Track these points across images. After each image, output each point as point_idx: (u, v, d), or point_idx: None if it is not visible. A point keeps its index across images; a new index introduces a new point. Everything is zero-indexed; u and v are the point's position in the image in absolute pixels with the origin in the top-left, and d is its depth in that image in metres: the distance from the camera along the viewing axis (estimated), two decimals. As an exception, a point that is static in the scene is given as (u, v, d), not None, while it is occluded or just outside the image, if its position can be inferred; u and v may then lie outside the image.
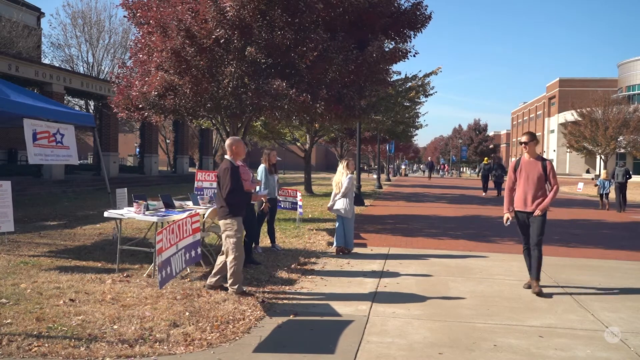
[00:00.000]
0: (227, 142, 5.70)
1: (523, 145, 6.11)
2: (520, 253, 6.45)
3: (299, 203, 11.00)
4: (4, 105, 7.40)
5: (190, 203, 7.80)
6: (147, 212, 6.67)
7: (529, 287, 6.11)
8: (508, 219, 6.18)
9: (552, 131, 70.20)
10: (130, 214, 6.63)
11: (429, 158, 63.46)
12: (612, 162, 43.47)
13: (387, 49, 10.85)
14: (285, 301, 5.41)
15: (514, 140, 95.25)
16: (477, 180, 38.26)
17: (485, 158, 31.72)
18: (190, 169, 33.35)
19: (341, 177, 8.17)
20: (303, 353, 4.02)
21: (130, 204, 7.34)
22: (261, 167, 8.07)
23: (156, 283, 5.51)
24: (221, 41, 9.06)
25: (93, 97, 24.86)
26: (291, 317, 4.89)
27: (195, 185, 10.14)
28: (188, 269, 6.15)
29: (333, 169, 54.20)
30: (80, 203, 14.89)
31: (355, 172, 16.07)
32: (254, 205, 7.55)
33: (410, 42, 11.64)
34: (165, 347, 4.01)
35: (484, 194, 24.30)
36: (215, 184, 9.87)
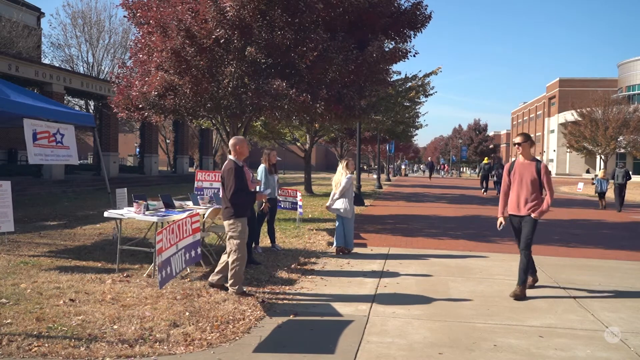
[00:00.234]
0: (231, 141, 5.64)
1: (517, 146, 5.97)
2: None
3: (299, 203, 11.00)
4: (4, 105, 7.40)
5: (190, 203, 7.80)
6: (147, 212, 6.66)
7: (530, 286, 6.08)
8: (501, 223, 6.10)
9: (552, 131, 70.21)
10: (130, 214, 6.63)
11: (429, 158, 63.43)
12: (612, 162, 43.53)
13: (387, 49, 10.85)
14: (285, 301, 5.41)
15: (514, 140, 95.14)
16: (477, 180, 38.25)
17: (485, 158, 31.75)
18: (190, 169, 33.37)
19: (341, 177, 8.18)
20: (303, 353, 4.02)
21: (130, 204, 7.34)
22: (261, 167, 8.07)
23: (156, 283, 5.51)
24: (221, 41, 9.07)
25: (93, 97, 24.86)
26: (291, 317, 4.89)
27: (195, 185, 10.15)
28: (188, 269, 6.15)
29: (333, 169, 54.15)
30: (80, 203, 14.89)
31: (355, 172, 16.08)
32: (254, 205, 7.54)
33: (410, 42, 11.65)
34: (165, 347, 4.01)
35: (484, 193, 24.37)
36: (215, 184, 9.92)
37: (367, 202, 17.75)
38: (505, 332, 4.62)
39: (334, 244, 8.20)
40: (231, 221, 5.39)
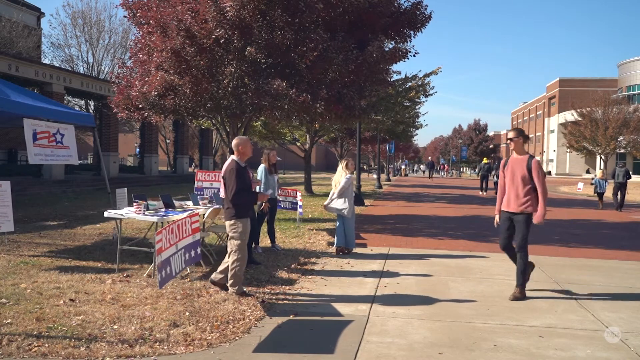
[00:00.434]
0: (234, 142, 5.59)
1: (509, 141, 5.82)
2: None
3: (299, 203, 11.00)
4: (4, 105, 7.40)
5: (190, 203, 7.80)
6: (147, 212, 6.67)
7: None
8: (497, 222, 6.03)
9: (552, 131, 70.21)
10: (130, 214, 6.63)
11: (430, 158, 63.37)
12: (612, 162, 43.51)
13: (387, 49, 10.85)
14: (285, 301, 5.41)
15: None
16: (477, 180, 38.25)
17: (484, 158, 31.76)
18: (190, 169, 33.36)
19: (340, 177, 8.18)
20: (303, 353, 4.02)
21: (130, 204, 7.34)
22: (261, 167, 8.07)
23: (156, 283, 5.51)
24: (221, 41, 9.07)
25: (93, 97, 24.86)
26: (291, 317, 4.89)
27: (195, 185, 10.15)
28: (188, 269, 6.15)
29: (333, 169, 54.14)
30: (80, 203, 14.89)
31: (355, 172, 16.08)
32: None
33: (410, 42, 11.64)
34: (165, 347, 4.01)
35: (483, 193, 24.37)
36: (215, 184, 9.92)
37: (367, 202, 17.75)
38: (505, 332, 4.62)
39: (335, 244, 8.20)
40: (232, 222, 5.37)
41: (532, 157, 5.71)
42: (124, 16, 11.06)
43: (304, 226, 11.05)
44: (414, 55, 11.50)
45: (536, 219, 5.61)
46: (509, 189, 5.79)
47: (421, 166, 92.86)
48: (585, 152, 49.16)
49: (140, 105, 10.35)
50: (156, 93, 9.73)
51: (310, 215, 13.14)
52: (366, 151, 50.52)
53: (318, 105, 9.81)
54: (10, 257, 7.07)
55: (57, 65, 27.05)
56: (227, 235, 5.52)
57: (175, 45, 8.95)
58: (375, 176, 33.29)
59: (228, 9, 8.77)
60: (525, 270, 5.76)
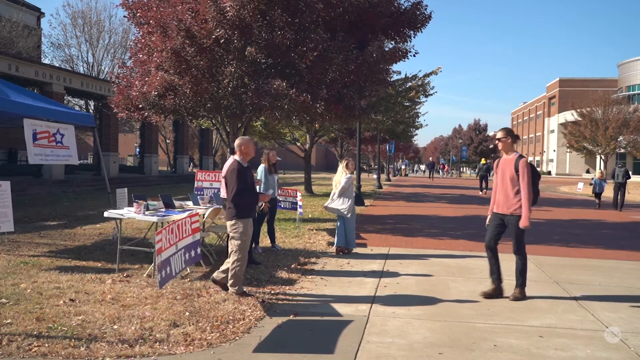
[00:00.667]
0: (237, 142, 5.59)
1: (497, 141, 5.69)
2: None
3: (299, 203, 11.01)
4: (4, 105, 7.40)
5: (190, 203, 7.80)
6: (147, 212, 6.66)
7: (489, 296, 5.67)
8: (487, 222, 5.93)
9: (552, 131, 70.22)
10: (130, 214, 6.63)
11: (430, 158, 63.34)
12: (612, 162, 43.51)
13: (387, 49, 10.85)
14: (285, 301, 5.41)
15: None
16: (477, 180, 38.25)
17: (483, 158, 31.76)
18: (189, 169, 33.36)
19: (341, 177, 8.18)
20: (303, 353, 4.02)
21: (130, 204, 7.34)
22: (261, 167, 8.07)
23: (156, 283, 5.51)
24: (221, 41, 9.06)
25: (93, 97, 24.86)
26: (291, 317, 4.88)
27: (195, 185, 10.15)
28: (188, 269, 6.15)
29: (333, 169, 54.14)
30: (80, 203, 14.89)
31: (355, 172, 16.08)
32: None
33: (410, 42, 11.64)
34: (165, 347, 4.01)
35: (482, 193, 24.42)
36: (215, 184, 9.92)
37: (367, 202, 17.75)
38: (505, 332, 4.62)
39: (335, 244, 8.20)
40: (233, 222, 5.36)
41: (520, 156, 5.56)
42: (124, 16, 11.06)
43: (304, 226, 11.04)
44: (414, 55, 11.51)
45: (521, 223, 5.49)
46: (499, 190, 5.70)
47: (421, 166, 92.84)
48: (585, 152, 49.18)
49: (140, 105, 10.35)
50: (156, 93, 9.73)
51: (310, 215, 13.14)
52: (366, 151, 50.51)
53: (318, 105, 9.81)
54: (10, 257, 7.07)
55: (57, 65, 27.05)
56: (228, 235, 5.52)
57: (175, 45, 8.95)
58: (375, 176, 33.30)
59: (228, 9, 8.77)
60: (523, 271, 5.72)
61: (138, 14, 10.22)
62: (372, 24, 10.49)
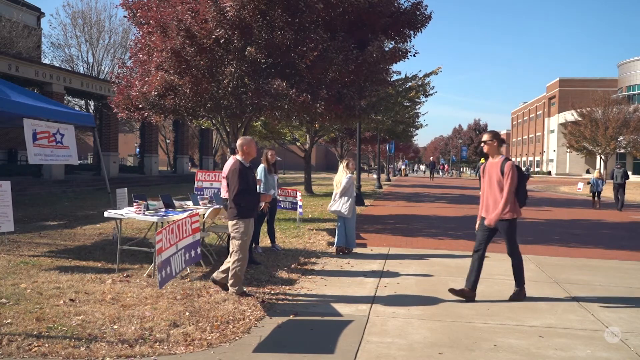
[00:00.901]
0: (239, 142, 5.58)
1: (483, 144, 5.59)
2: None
3: (299, 203, 11.01)
4: (4, 105, 7.40)
5: (190, 203, 7.80)
6: (147, 212, 6.66)
7: (456, 292, 5.59)
8: (477, 228, 5.85)
9: (552, 131, 70.23)
10: (130, 214, 6.62)
11: (431, 158, 63.34)
12: (612, 162, 43.55)
13: (387, 49, 10.86)
14: (285, 301, 5.41)
15: (514, 140, 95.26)
16: (477, 180, 38.27)
17: (483, 158, 31.77)
18: (189, 169, 33.36)
19: (341, 177, 8.18)
20: (303, 353, 4.02)
21: (130, 204, 7.34)
22: (260, 167, 8.07)
23: (156, 283, 5.51)
24: (221, 41, 9.07)
25: (93, 97, 24.87)
26: (291, 317, 4.88)
27: (195, 185, 10.15)
28: (188, 269, 6.15)
29: (333, 169, 54.15)
30: (80, 203, 14.89)
31: (355, 172, 16.08)
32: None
33: (410, 42, 11.65)
34: (165, 347, 4.01)
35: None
36: (215, 184, 9.92)
37: (367, 202, 17.75)
38: (505, 332, 4.62)
39: (335, 244, 8.20)
40: (234, 222, 5.35)
41: (506, 159, 5.50)
42: (124, 16, 11.07)
43: (304, 226, 11.05)
44: (414, 55, 11.52)
45: (487, 220, 5.48)
46: (487, 195, 5.63)
47: (421, 166, 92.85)
48: (585, 152, 49.21)
49: (140, 105, 10.35)
50: (156, 93, 9.73)
51: (310, 215, 13.14)
52: (366, 151, 50.51)
53: (318, 105, 9.81)
54: (10, 257, 7.07)
55: (57, 65, 27.06)
56: (228, 235, 5.51)
57: (175, 45, 8.95)
58: (375, 176, 33.30)
59: (228, 9, 8.77)
60: (520, 271, 5.68)
61: (138, 14, 10.23)
62: (372, 24, 10.49)
